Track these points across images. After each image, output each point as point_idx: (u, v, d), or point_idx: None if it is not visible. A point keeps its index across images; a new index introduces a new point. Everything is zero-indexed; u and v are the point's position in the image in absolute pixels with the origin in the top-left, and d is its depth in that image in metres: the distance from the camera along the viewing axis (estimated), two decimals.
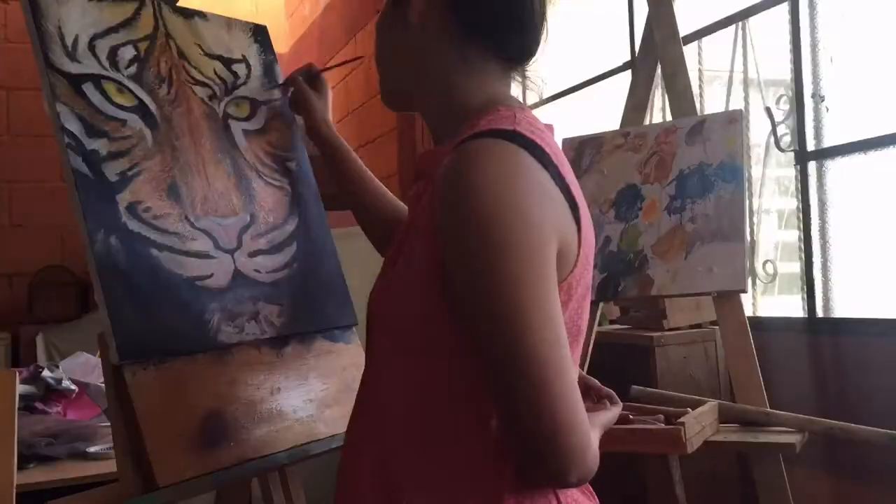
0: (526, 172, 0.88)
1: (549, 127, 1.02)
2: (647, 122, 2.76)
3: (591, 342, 2.36)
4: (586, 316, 0.99)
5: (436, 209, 0.88)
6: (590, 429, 0.85)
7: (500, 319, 0.82)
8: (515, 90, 1.11)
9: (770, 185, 3.04)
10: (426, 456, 0.92)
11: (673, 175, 2.30)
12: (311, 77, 1.59)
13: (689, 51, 2.99)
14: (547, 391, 0.81)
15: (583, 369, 2.25)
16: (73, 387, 2.39)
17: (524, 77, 1.06)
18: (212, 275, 1.37)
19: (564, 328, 0.85)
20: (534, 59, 1.05)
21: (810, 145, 2.68)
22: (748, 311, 2.34)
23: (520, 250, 0.83)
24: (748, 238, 2.53)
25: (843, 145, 2.58)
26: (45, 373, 2.38)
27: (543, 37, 1.03)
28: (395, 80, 1.09)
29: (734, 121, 2.25)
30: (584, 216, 0.95)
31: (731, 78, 3.08)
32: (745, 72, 3.02)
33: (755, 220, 2.94)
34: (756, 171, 2.96)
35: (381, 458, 0.94)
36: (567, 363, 0.84)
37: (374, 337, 1.04)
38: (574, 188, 0.94)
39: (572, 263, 0.91)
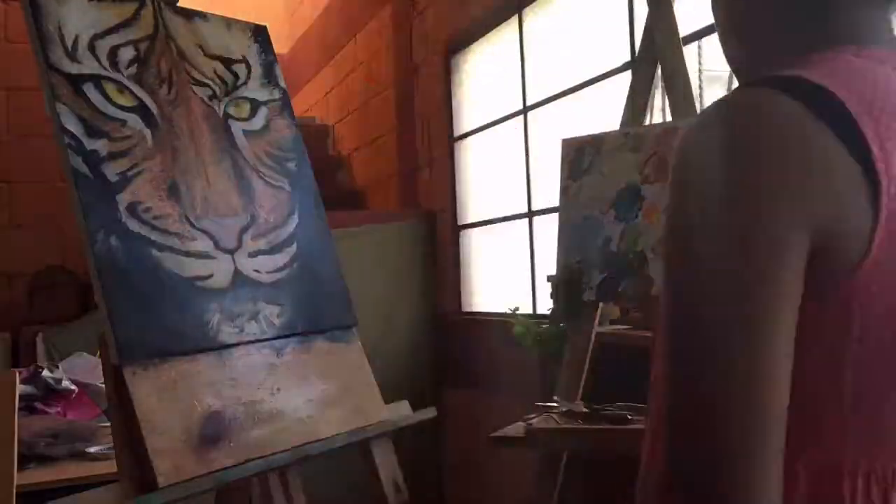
0: (778, 137, 0.63)
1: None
2: (647, 122, 2.76)
3: (591, 343, 2.36)
4: None
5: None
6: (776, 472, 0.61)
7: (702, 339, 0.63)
8: None
9: None
10: None
11: None
12: None
13: (690, 51, 2.99)
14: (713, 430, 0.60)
15: (583, 371, 2.25)
16: (73, 387, 2.39)
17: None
18: (212, 275, 1.37)
19: (782, 357, 0.62)
20: None
21: None
22: None
23: (740, 259, 0.62)
24: None
25: None
26: (46, 373, 2.38)
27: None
28: (732, 23, 0.80)
29: None
30: (884, 185, 0.63)
31: (731, 78, 3.08)
32: None
33: None
34: None
35: None
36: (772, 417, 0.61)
37: None
38: (878, 159, 0.63)
39: (853, 262, 0.63)
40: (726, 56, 0.84)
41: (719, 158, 0.64)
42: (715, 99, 0.68)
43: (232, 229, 1.43)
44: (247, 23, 1.66)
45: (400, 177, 4.39)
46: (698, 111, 2.67)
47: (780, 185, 0.62)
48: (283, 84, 1.67)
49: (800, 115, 0.63)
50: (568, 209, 2.32)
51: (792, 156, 0.63)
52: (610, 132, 2.53)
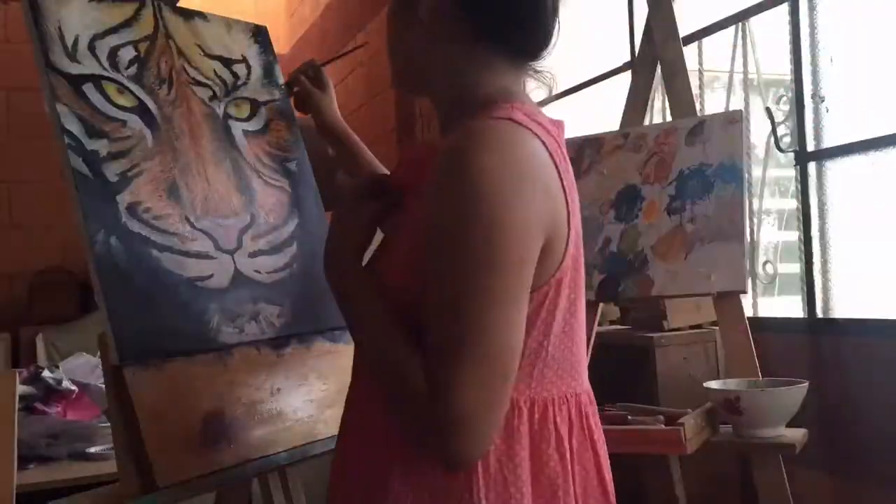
0: (532, 159, 0.90)
1: (559, 123, 1.02)
2: (646, 122, 2.76)
3: (591, 343, 2.36)
4: (582, 317, 1.00)
5: (431, 182, 0.89)
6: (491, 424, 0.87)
7: (456, 298, 0.85)
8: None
9: (770, 185, 3.04)
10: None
11: (673, 176, 2.30)
12: (314, 73, 1.62)
13: (689, 51, 2.99)
14: (460, 376, 0.84)
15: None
16: (73, 387, 2.39)
17: (536, 72, 1.06)
18: (212, 275, 1.37)
19: (520, 331, 0.88)
20: (545, 54, 1.04)
21: (810, 146, 2.68)
22: (748, 312, 2.34)
23: (502, 245, 0.85)
24: (748, 239, 2.53)
25: (843, 146, 2.58)
26: (46, 373, 2.38)
27: (555, 31, 1.03)
28: (404, 69, 1.08)
29: (734, 121, 2.25)
30: (575, 217, 0.95)
31: (731, 78, 3.08)
32: (745, 72, 3.01)
33: (755, 220, 2.94)
34: (756, 171, 2.95)
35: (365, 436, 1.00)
36: (502, 362, 0.87)
37: None
38: (569, 185, 0.95)
39: (558, 261, 0.93)
40: (429, 95, 1.09)
41: (487, 174, 0.85)
42: (471, 124, 0.91)
43: (232, 229, 1.44)
44: (247, 23, 1.66)
45: None
46: (698, 111, 2.68)
47: (533, 196, 0.88)
48: (282, 84, 1.67)
49: (535, 140, 0.91)
50: None
51: (538, 171, 0.90)
52: (610, 132, 2.53)
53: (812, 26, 2.67)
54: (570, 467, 0.95)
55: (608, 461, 1.03)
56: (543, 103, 1.16)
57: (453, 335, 0.85)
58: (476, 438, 0.85)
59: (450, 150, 0.89)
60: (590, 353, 2.33)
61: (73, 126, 1.27)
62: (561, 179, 0.93)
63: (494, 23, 0.99)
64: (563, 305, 0.95)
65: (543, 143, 0.92)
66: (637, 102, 2.64)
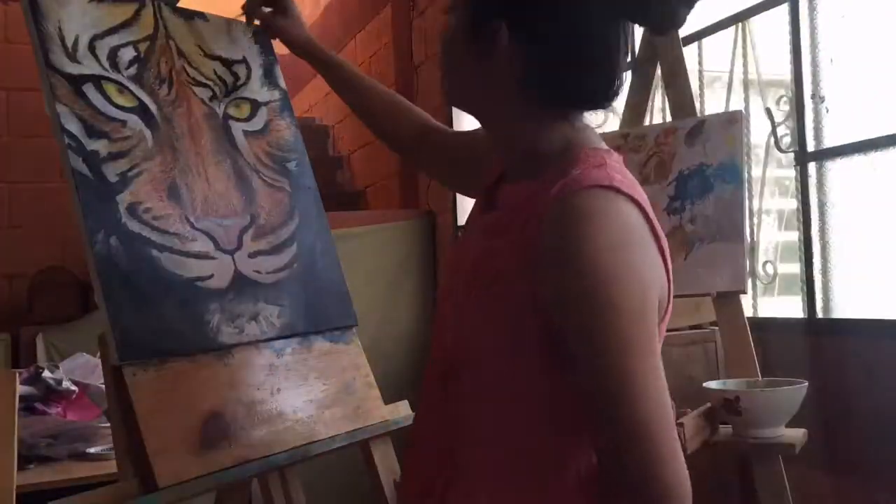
0: (636, 229, 0.92)
1: (621, 159, 1.02)
2: (646, 122, 2.76)
3: None
4: None
5: (540, 257, 0.90)
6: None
7: (613, 381, 0.86)
8: None
9: (770, 185, 3.04)
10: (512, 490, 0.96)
11: (672, 176, 2.30)
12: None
13: (689, 51, 2.99)
14: (653, 452, 0.85)
15: None
16: (74, 387, 2.39)
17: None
18: (212, 275, 1.37)
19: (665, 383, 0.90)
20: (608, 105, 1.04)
21: (810, 146, 2.67)
22: (748, 312, 2.34)
23: (635, 313, 0.87)
24: (748, 239, 2.53)
25: (843, 146, 2.58)
26: (46, 373, 2.38)
27: (625, 80, 1.03)
28: (462, 96, 1.07)
29: (734, 121, 2.25)
30: (669, 264, 0.97)
31: (731, 79, 3.08)
32: (745, 73, 3.01)
33: (755, 220, 2.94)
34: (756, 171, 2.95)
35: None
36: (670, 419, 0.88)
37: (453, 379, 1.02)
38: (662, 238, 0.96)
39: (664, 312, 0.96)
40: (487, 129, 1.09)
41: (609, 251, 0.88)
42: (574, 195, 0.91)
43: (232, 230, 1.44)
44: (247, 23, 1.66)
45: (400, 177, 4.39)
46: (698, 112, 2.68)
47: (648, 265, 0.92)
48: (283, 84, 1.67)
49: (636, 212, 0.92)
50: None
51: (645, 242, 0.92)
52: (609, 132, 2.52)
53: (812, 27, 2.67)
54: None
55: None
56: None
57: (634, 417, 0.86)
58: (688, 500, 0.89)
59: (559, 234, 0.89)
60: None
61: (73, 126, 1.27)
62: (658, 241, 0.94)
63: (566, 86, 0.99)
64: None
65: (641, 207, 0.93)
66: (637, 103, 2.64)
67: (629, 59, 1.01)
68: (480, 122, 1.08)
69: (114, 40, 1.39)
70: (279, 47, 1.66)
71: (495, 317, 0.96)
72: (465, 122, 3.86)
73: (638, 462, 0.85)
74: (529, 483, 0.94)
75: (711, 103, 3.20)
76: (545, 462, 0.95)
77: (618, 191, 0.91)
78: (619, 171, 0.96)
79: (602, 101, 1.02)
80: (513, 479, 0.95)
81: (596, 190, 0.91)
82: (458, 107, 1.11)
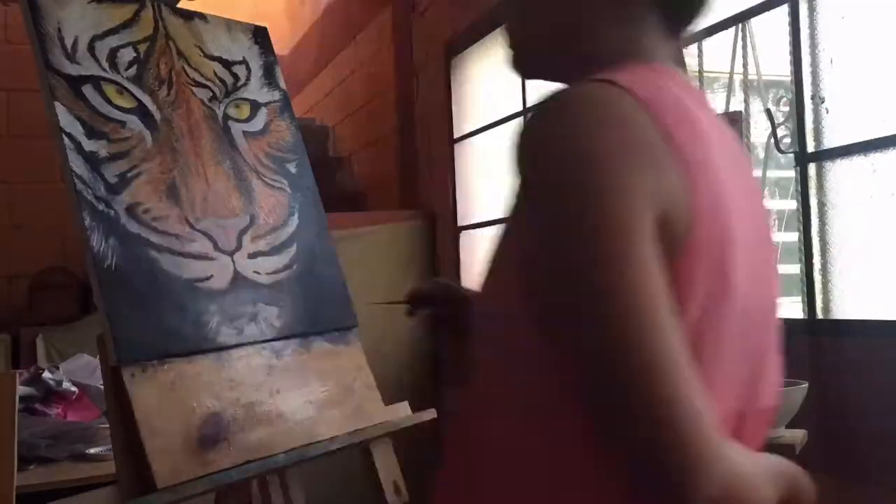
0: (626, 117, 0.71)
1: (703, 96, 0.87)
2: None
3: None
4: (760, 318, 0.80)
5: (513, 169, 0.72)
6: (717, 437, 0.64)
7: (586, 303, 0.65)
8: None
9: (770, 186, 3.04)
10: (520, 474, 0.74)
11: None
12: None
13: (689, 52, 2.99)
14: (656, 389, 0.62)
15: None
16: (74, 388, 2.39)
17: (678, 43, 0.91)
18: (211, 276, 1.37)
19: (672, 315, 0.65)
20: (695, 22, 0.91)
21: (810, 147, 2.67)
22: None
23: (610, 217, 0.65)
24: None
25: (843, 147, 2.58)
26: (46, 374, 2.38)
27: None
28: (542, 35, 0.89)
29: (734, 122, 2.25)
30: (708, 181, 0.72)
31: (731, 79, 3.08)
32: (745, 73, 3.01)
33: None
34: (756, 172, 2.95)
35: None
36: (681, 355, 0.64)
37: (478, 345, 0.82)
38: (690, 151, 0.72)
39: (680, 243, 0.69)
40: (526, 66, 0.92)
41: (582, 148, 0.68)
42: (570, 93, 0.74)
43: (231, 230, 1.44)
44: (247, 24, 1.66)
45: (400, 178, 4.39)
46: None
47: (636, 166, 0.68)
48: (283, 85, 1.67)
49: (632, 103, 0.71)
50: None
51: (639, 140, 0.70)
52: None
53: (812, 27, 2.67)
54: None
55: None
56: None
57: (621, 342, 0.64)
58: (716, 452, 0.63)
59: (525, 129, 0.72)
60: None
61: (73, 127, 1.27)
62: (681, 153, 0.71)
63: None
64: (697, 309, 0.70)
65: (650, 110, 0.72)
66: None
67: None
68: (557, 64, 0.88)
69: (113, 41, 1.39)
70: (278, 48, 1.65)
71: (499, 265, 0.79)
72: (464, 124, 3.86)
73: (640, 401, 0.63)
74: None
75: (711, 104, 3.19)
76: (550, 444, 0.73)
77: (615, 84, 0.72)
78: (653, 81, 0.77)
79: (690, 14, 0.89)
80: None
81: (587, 84, 0.73)
82: (533, 66, 0.92)
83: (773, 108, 2.77)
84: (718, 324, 0.72)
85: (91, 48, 1.35)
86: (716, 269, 0.71)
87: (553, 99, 0.73)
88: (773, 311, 0.84)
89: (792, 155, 2.70)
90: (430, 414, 1.67)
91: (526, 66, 0.92)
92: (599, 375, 0.65)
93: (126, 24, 1.42)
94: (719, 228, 0.72)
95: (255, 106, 1.59)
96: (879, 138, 2.45)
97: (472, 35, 3.76)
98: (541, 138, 0.71)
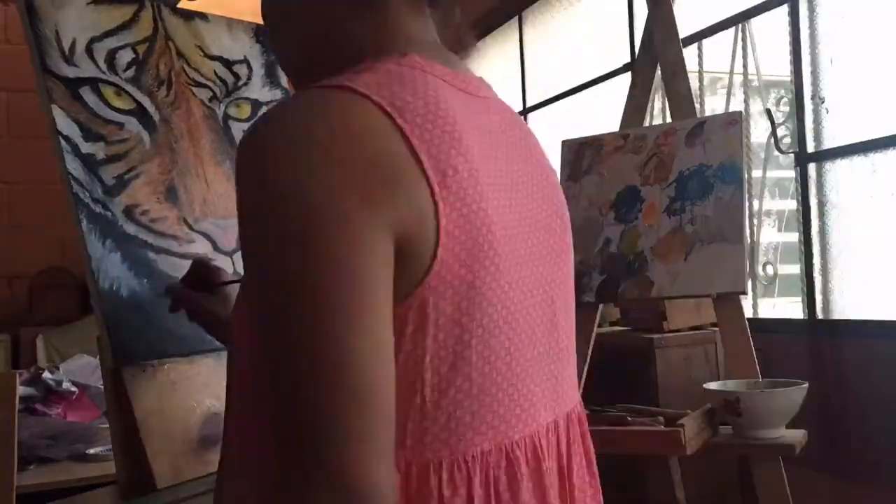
0: (357, 131, 0.63)
1: (476, 84, 0.77)
2: (646, 123, 2.76)
3: (591, 344, 2.36)
4: (524, 331, 0.73)
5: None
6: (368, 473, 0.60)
7: (272, 330, 0.63)
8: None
9: (770, 186, 3.04)
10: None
11: (673, 177, 2.30)
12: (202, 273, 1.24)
13: (690, 53, 2.99)
14: (320, 428, 0.60)
15: (583, 372, 2.25)
16: (74, 389, 2.39)
17: (447, 23, 0.81)
18: None
19: (374, 344, 0.62)
20: None
21: (810, 147, 2.68)
22: (748, 313, 2.34)
23: (313, 244, 0.61)
24: (748, 240, 2.53)
25: (842, 147, 2.59)
26: (46, 374, 2.38)
27: None
28: (299, 48, 0.81)
29: (734, 122, 2.25)
30: (462, 193, 0.66)
31: (731, 80, 3.08)
32: (745, 74, 3.02)
33: (755, 221, 2.94)
34: (756, 172, 2.96)
35: None
36: (365, 395, 0.61)
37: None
38: (433, 162, 0.65)
39: (422, 272, 0.65)
40: (282, 62, 0.86)
41: (300, 159, 0.62)
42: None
43: (231, 231, 1.43)
44: (248, 23, 1.66)
45: None
46: (698, 113, 2.67)
47: (361, 185, 0.62)
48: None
49: (371, 113, 0.64)
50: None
51: (372, 157, 0.63)
52: (609, 134, 2.52)
53: (812, 28, 2.67)
54: None
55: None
56: (539, 106, 1.04)
57: (299, 388, 0.61)
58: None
59: (240, 143, 0.67)
60: (589, 355, 2.33)
61: (70, 129, 1.27)
62: (420, 165, 0.64)
63: None
64: (449, 326, 0.66)
65: (387, 112, 0.65)
66: (637, 103, 2.64)
67: None
68: (324, 68, 0.76)
69: (112, 42, 1.38)
70: None
71: None
72: None
73: (292, 439, 0.61)
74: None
75: (711, 104, 3.20)
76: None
77: (350, 89, 0.65)
78: (392, 76, 0.69)
79: None
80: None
81: (312, 92, 0.66)
82: (301, 73, 0.83)
83: (773, 109, 2.78)
84: (486, 338, 0.68)
85: (89, 50, 1.35)
86: (468, 287, 0.67)
87: (272, 111, 0.67)
88: (563, 312, 0.79)
89: (792, 155, 2.71)
90: None
91: (289, 69, 0.85)
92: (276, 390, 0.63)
93: (125, 26, 1.42)
94: (472, 244, 0.67)
95: (257, 105, 1.59)
96: (879, 138, 2.45)
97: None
98: (250, 157, 0.65)
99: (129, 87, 1.38)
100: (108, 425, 2.09)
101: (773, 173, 3.02)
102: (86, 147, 1.28)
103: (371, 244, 0.62)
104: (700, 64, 3.16)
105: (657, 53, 2.55)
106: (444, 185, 0.65)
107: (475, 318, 0.67)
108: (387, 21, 0.76)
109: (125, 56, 1.39)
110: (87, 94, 1.31)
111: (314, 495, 0.59)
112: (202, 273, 1.21)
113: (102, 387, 2.28)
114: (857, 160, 2.55)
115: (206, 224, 1.40)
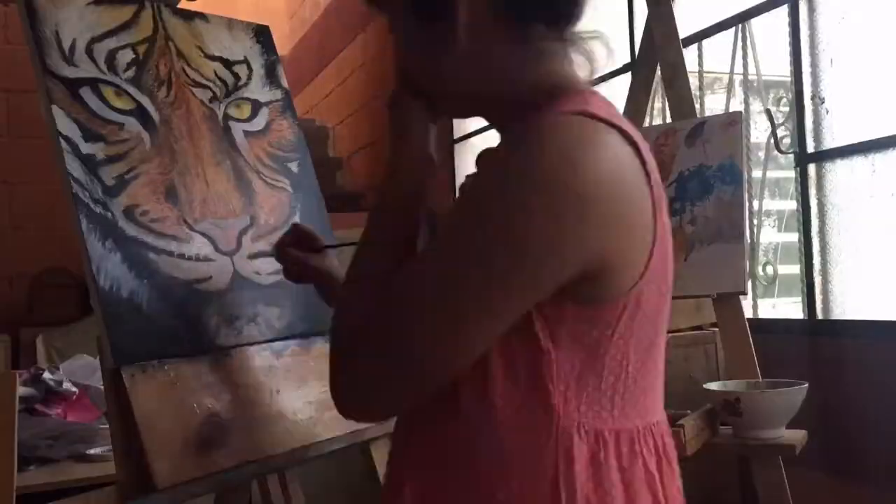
0: (611, 151, 0.77)
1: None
2: (646, 124, 2.76)
3: None
4: (661, 340, 0.87)
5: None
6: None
7: (429, 274, 0.79)
8: None
9: (770, 187, 3.04)
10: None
11: (672, 177, 2.30)
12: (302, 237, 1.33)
13: (690, 53, 2.99)
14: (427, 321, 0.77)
15: None
16: (74, 389, 2.39)
17: (577, 46, 0.93)
18: (210, 277, 1.37)
19: (498, 319, 0.76)
20: (581, 20, 0.93)
21: (810, 147, 2.68)
22: (748, 313, 2.34)
23: (523, 247, 0.74)
24: (748, 240, 2.53)
25: (842, 147, 2.59)
26: (46, 375, 2.38)
27: None
28: (446, 94, 0.92)
29: (734, 123, 2.25)
30: (663, 222, 0.82)
31: (731, 80, 3.08)
32: (745, 74, 3.02)
33: (755, 221, 2.94)
34: (756, 173, 2.95)
35: None
36: (473, 336, 0.76)
37: None
38: (657, 184, 0.81)
39: (637, 275, 0.79)
40: (479, 111, 0.95)
41: (558, 173, 0.74)
42: (551, 119, 0.79)
43: (231, 231, 1.43)
44: (248, 23, 1.66)
45: None
46: (698, 113, 2.67)
47: (586, 218, 0.75)
48: (285, 84, 1.66)
49: (615, 137, 0.78)
50: None
51: (619, 172, 0.78)
52: None
53: (812, 28, 2.67)
54: None
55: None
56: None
57: (422, 295, 0.77)
58: (398, 395, 0.81)
59: (497, 150, 0.80)
60: None
61: (70, 130, 1.27)
62: (650, 184, 0.80)
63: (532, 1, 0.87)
64: (643, 321, 0.82)
65: (631, 141, 0.79)
66: (637, 104, 2.64)
67: None
68: (475, 110, 0.95)
69: (112, 43, 1.38)
70: (278, 48, 1.65)
71: None
72: (464, 124, 3.86)
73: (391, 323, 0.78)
74: None
75: (711, 105, 3.20)
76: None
77: (595, 117, 0.78)
78: (602, 104, 0.84)
79: (571, 15, 0.91)
80: None
81: (567, 116, 0.79)
82: (452, 113, 1.00)
83: (773, 109, 2.78)
84: (659, 329, 0.85)
85: (89, 50, 1.35)
86: (657, 288, 0.83)
87: (531, 128, 0.77)
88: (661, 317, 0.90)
89: (792, 155, 2.71)
90: None
91: (441, 109, 0.96)
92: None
93: (125, 26, 1.42)
94: (662, 260, 0.82)
95: (257, 105, 1.59)
96: (879, 138, 2.45)
97: None
98: (556, 147, 0.75)
99: (129, 88, 1.38)
100: (108, 425, 2.09)
101: (773, 173, 3.02)
102: (86, 147, 1.27)
103: (573, 263, 0.75)
104: (700, 64, 3.16)
105: (657, 53, 2.55)
106: (657, 198, 0.80)
107: (662, 312, 0.84)
108: (551, 67, 0.89)
109: (125, 56, 1.39)
110: (87, 94, 1.31)
111: (380, 345, 0.78)
112: (303, 236, 1.32)
113: (102, 387, 2.27)
114: (857, 160, 2.55)
115: (206, 224, 1.40)
